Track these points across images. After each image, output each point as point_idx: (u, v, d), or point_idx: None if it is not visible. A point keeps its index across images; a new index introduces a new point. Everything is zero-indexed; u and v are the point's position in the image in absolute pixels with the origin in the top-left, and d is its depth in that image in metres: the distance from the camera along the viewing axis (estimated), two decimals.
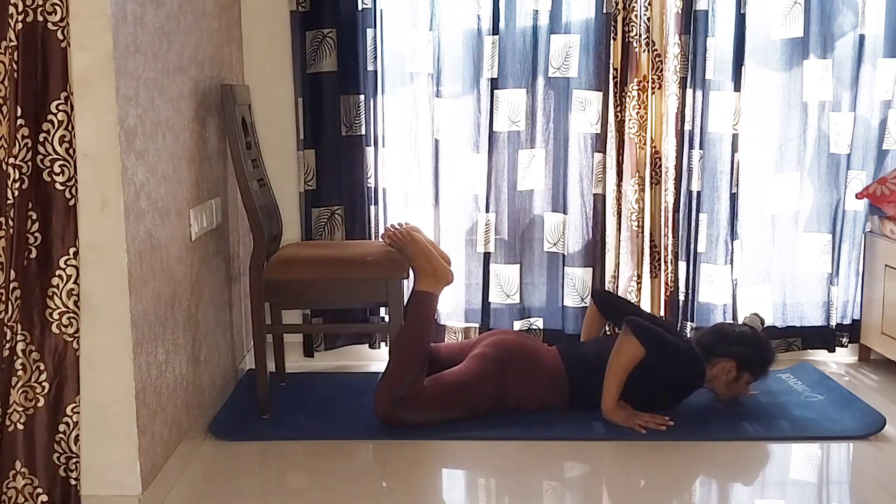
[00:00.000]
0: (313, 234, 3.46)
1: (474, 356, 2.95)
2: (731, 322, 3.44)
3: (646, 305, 3.52)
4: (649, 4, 3.34)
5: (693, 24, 3.35)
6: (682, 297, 3.50)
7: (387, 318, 3.14)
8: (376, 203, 3.48)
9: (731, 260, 3.50)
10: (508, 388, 2.91)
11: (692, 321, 3.51)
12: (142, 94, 2.29)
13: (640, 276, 3.50)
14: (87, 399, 2.18)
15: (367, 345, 3.61)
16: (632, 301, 3.42)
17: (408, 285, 3.07)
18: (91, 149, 2.10)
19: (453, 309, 3.56)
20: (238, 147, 2.89)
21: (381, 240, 3.13)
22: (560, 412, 2.94)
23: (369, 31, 3.35)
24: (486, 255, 3.51)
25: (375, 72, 3.39)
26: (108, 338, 2.17)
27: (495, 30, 3.37)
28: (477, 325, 3.54)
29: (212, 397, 2.95)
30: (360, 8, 3.33)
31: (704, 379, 2.96)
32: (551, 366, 2.97)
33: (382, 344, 3.58)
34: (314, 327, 3.60)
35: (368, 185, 3.45)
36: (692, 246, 3.48)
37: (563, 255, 3.52)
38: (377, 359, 3.55)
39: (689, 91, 3.39)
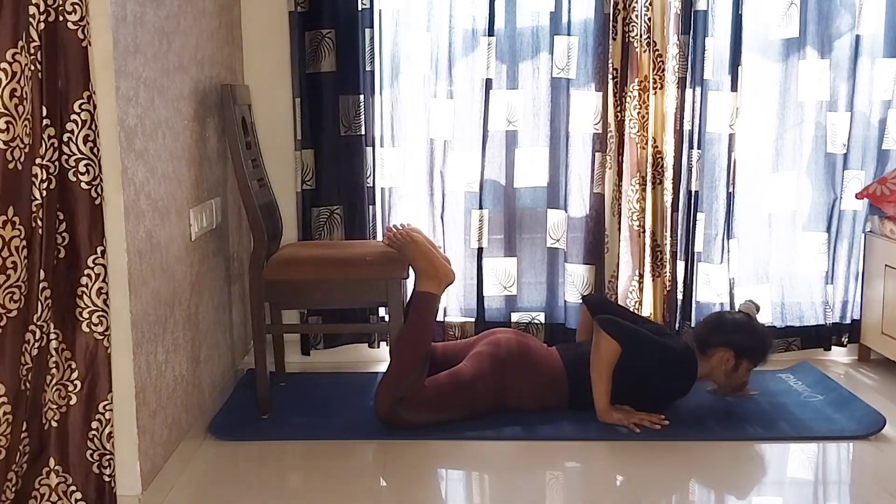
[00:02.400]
0: (312, 233, 3.46)
1: (474, 355, 2.95)
2: (727, 310, 3.42)
3: (647, 305, 3.54)
4: (650, 4, 3.34)
5: (692, 24, 3.35)
6: (680, 297, 3.50)
7: (387, 318, 3.14)
8: (375, 203, 3.49)
9: (728, 259, 3.51)
10: (509, 388, 2.91)
11: (690, 320, 3.51)
12: (142, 94, 2.28)
13: (641, 276, 3.50)
14: None
15: (367, 344, 3.61)
16: (623, 305, 3.41)
17: (407, 285, 3.08)
18: None
19: (450, 304, 3.57)
20: (238, 147, 2.89)
21: (383, 241, 3.13)
22: (560, 412, 2.94)
23: (368, 32, 3.35)
24: (480, 251, 3.52)
25: (374, 72, 3.39)
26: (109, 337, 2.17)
27: (493, 30, 3.37)
28: (473, 320, 3.55)
29: (212, 397, 2.95)
30: (359, 8, 3.34)
31: (697, 373, 2.95)
32: (551, 365, 2.97)
33: (382, 344, 3.58)
34: (314, 327, 3.60)
35: (367, 184, 3.45)
36: (690, 245, 3.48)
37: (564, 252, 3.52)
38: (376, 358, 3.55)
39: (688, 91, 3.39)
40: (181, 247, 2.61)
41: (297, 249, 3.12)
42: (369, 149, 3.44)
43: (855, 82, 3.45)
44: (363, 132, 3.41)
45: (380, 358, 3.54)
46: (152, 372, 2.35)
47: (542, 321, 3.57)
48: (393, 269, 2.93)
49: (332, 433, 2.84)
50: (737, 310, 3.15)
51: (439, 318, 3.52)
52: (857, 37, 3.43)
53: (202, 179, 2.84)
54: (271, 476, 2.59)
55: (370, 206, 3.47)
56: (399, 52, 3.44)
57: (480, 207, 3.49)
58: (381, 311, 3.54)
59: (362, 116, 3.39)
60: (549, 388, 2.95)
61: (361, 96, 3.38)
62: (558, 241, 3.53)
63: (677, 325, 3.52)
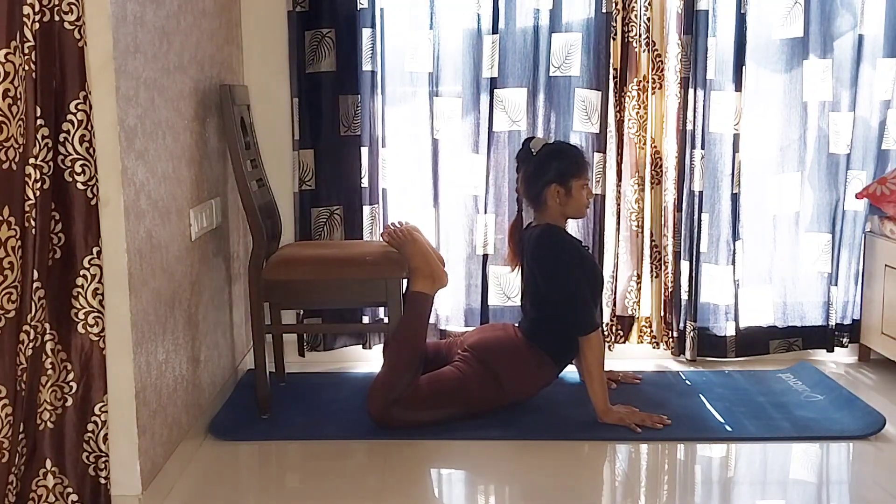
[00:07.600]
0: (312, 234, 3.46)
1: (459, 359, 2.94)
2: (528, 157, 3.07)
3: (646, 305, 3.55)
4: (649, 4, 3.35)
5: (694, 23, 3.35)
6: (684, 297, 3.50)
7: (385, 319, 3.13)
8: (375, 203, 3.48)
9: (734, 260, 3.50)
10: (503, 380, 2.89)
11: (694, 321, 3.51)
12: (142, 94, 2.28)
13: (639, 277, 3.51)
14: None
15: (361, 346, 3.59)
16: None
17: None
18: None
19: (453, 312, 3.56)
20: (237, 147, 2.89)
21: (381, 238, 3.13)
22: (558, 405, 2.95)
23: (368, 31, 3.35)
24: (485, 257, 3.51)
25: (374, 72, 3.39)
26: (109, 338, 2.16)
27: (495, 29, 3.37)
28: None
29: (212, 397, 2.95)
30: (358, 8, 3.33)
31: (559, 231, 2.95)
32: (522, 340, 2.96)
33: (377, 345, 3.57)
34: (314, 327, 3.59)
35: (367, 185, 3.45)
36: (694, 246, 3.48)
37: None
38: (373, 359, 3.54)
39: (690, 91, 3.39)
40: (181, 247, 2.61)
41: (296, 249, 3.12)
42: (370, 149, 3.43)
43: (857, 82, 3.44)
44: (363, 132, 3.40)
45: (378, 358, 3.53)
46: (152, 372, 2.35)
47: None
48: (392, 269, 2.93)
49: (331, 433, 2.84)
50: (532, 152, 3.00)
51: (441, 326, 3.52)
52: (860, 36, 3.41)
53: (202, 179, 2.84)
54: (271, 476, 2.59)
55: (370, 207, 3.47)
56: (401, 51, 3.44)
57: (486, 212, 3.48)
58: (381, 313, 3.54)
59: (362, 116, 3.39)
60: (535, 363, 2.92)
61: (359, 96, 3.38)
62: None
63: (681, 326, 3.52)
